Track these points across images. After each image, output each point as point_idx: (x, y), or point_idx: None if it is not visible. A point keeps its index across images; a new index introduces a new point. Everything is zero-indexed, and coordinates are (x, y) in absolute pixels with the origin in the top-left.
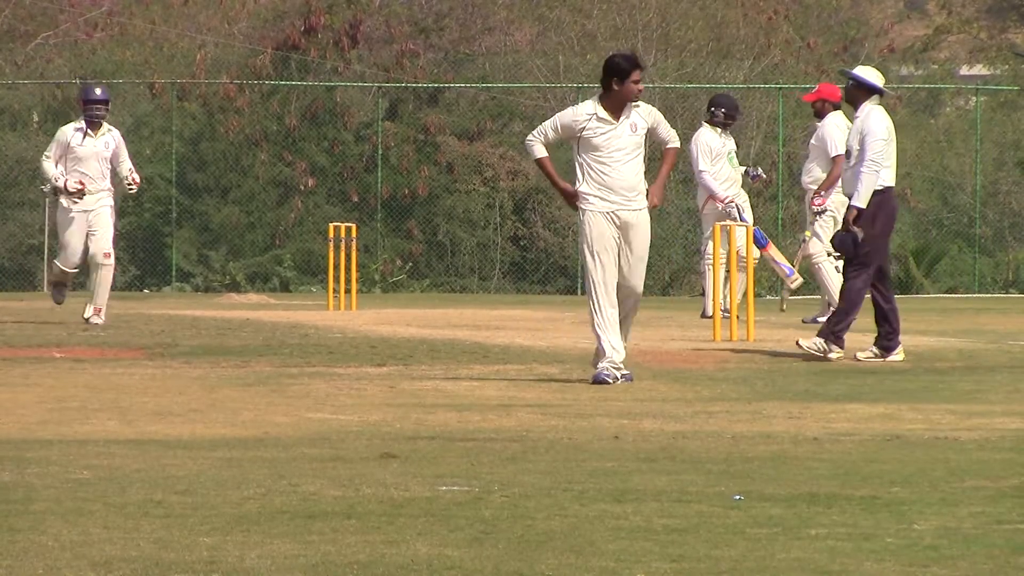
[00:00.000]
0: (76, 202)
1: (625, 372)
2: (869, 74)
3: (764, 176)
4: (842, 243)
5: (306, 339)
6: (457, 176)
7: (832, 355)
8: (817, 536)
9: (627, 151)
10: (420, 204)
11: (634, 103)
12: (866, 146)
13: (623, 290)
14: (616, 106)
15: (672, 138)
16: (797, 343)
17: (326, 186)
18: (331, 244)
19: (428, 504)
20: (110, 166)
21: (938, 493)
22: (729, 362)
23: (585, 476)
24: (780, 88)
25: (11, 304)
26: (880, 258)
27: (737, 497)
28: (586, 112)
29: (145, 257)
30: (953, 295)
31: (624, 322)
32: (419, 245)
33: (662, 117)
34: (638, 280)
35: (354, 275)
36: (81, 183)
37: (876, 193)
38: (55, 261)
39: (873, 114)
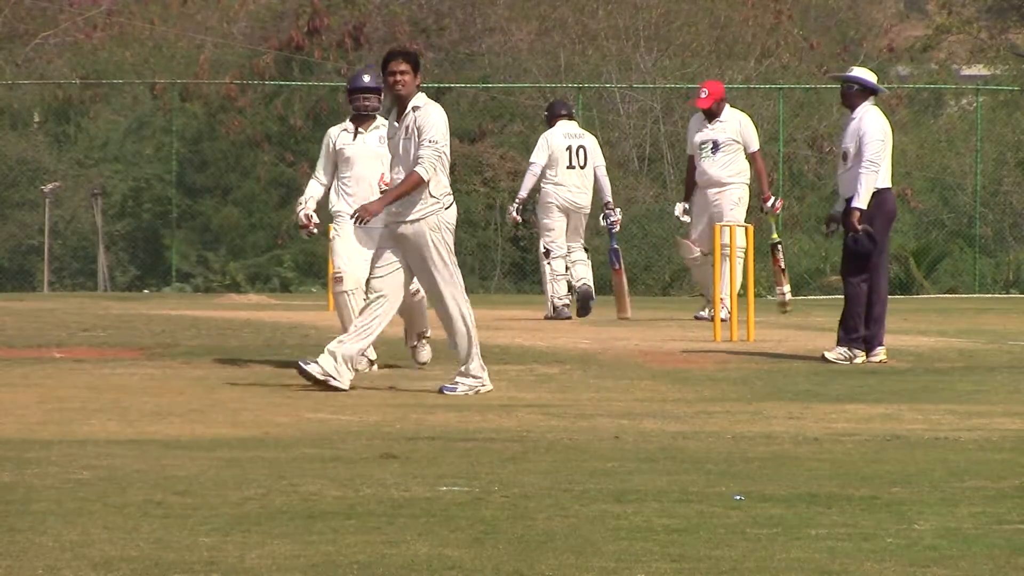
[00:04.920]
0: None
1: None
2: (867, 76)
3: (614, 219)
4: (858, 244)
5: (306, 339)
6: (457, 176)
7: (857, 359)
8: (817, 536)
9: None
10: None
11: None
12: (864, 147)
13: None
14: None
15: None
16: (823, 357)
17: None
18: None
19: (428, 504)
20: None
21: (938, 493)
22: (729, 362)
23: (585, 476)
24: (780, 88)
25: (11, 304)
26: (878, 259)
27: (737, 497)
28: None
29: (145, 258)
30: (953, 295)
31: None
32: None
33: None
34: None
35: None
36: (308, 217)
37: (873, 194)
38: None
39: (870, 115)
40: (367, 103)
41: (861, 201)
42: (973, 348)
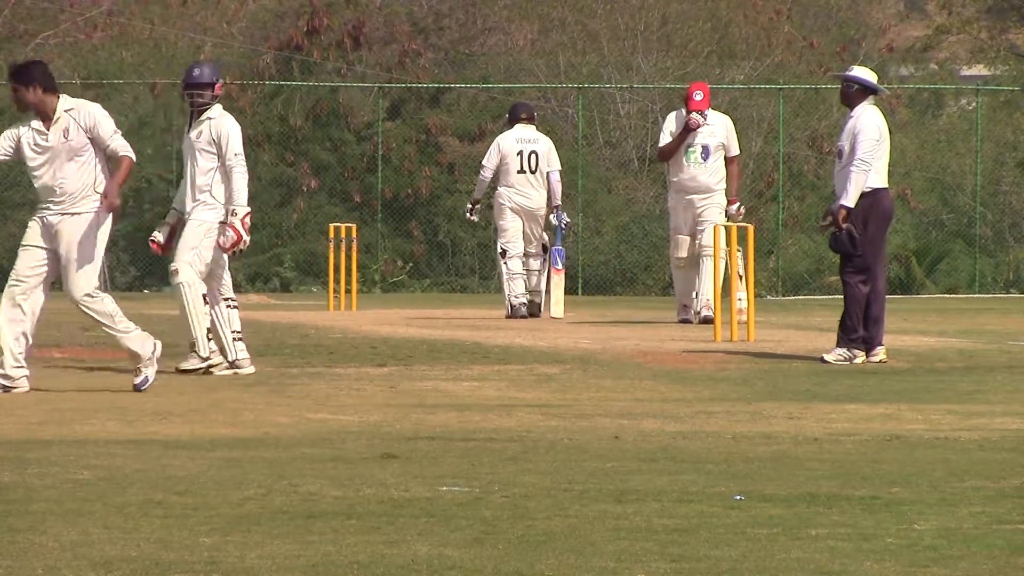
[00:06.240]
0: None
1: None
2: (867, 75)
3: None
4: (837, 242)
5: (306, 339)
6: (458, 176)
7: (857, 360)
8: (817, 536)
9: None
10: (421, 204)
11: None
12: (857, 145)
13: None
14: None
15: None
16: (822, 359)
17: (328, 186)
18: (332, 244)
19: (428, 504)
20: (217, 160)
21: (938, 493)
22: (729, 362)
23: (585, 476)
24: (780, 88)
25: None
26: (875, 259)
27: (738, 497)
28: None
29: (145, 257)
30: (953, 295)
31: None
32: (420, 245)
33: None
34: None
35: (354, 275)
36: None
37: (866, 195)
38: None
39: (867, 114)
40: (192, 99)
41: (849, 199)
42: (973, 348)
